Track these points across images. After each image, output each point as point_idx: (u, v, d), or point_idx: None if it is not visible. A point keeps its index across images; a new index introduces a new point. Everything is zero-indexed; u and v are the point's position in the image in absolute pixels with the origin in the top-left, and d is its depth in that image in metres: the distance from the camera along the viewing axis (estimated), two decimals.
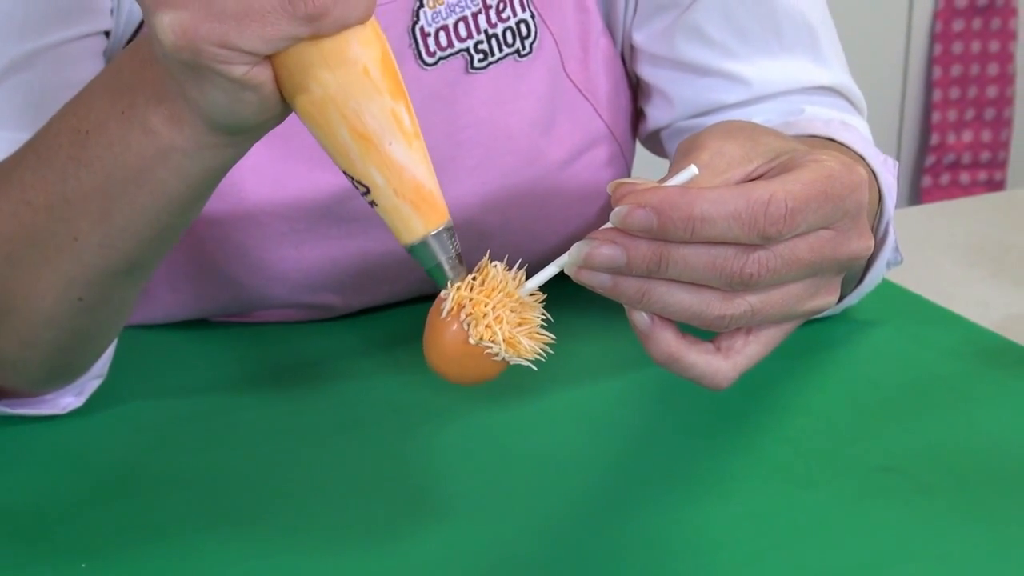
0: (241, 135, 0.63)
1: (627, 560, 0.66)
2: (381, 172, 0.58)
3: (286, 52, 0.57)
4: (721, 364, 0.61)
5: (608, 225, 0.58)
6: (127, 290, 0.73)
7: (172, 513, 0.71)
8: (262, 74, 0.57)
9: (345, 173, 0.59)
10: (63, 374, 0.78)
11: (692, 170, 0.58)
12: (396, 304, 0.94)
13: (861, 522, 0.68)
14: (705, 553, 0.66)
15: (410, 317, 0.92)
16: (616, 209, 0.57)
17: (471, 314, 0.59)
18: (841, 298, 0.88)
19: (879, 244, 0.86)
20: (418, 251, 0.59)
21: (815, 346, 0.85)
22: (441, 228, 0.59)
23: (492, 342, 0.59)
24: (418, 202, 0.58)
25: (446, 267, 0.59)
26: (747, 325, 0.61)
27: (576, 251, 0.58)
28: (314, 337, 0.91)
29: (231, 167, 0.66)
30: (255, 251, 0.86)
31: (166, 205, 0.66)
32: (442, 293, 0.60)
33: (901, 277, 0.95)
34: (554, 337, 0.60)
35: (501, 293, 0.59)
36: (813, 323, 0.88)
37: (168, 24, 0.56)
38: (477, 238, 0.89)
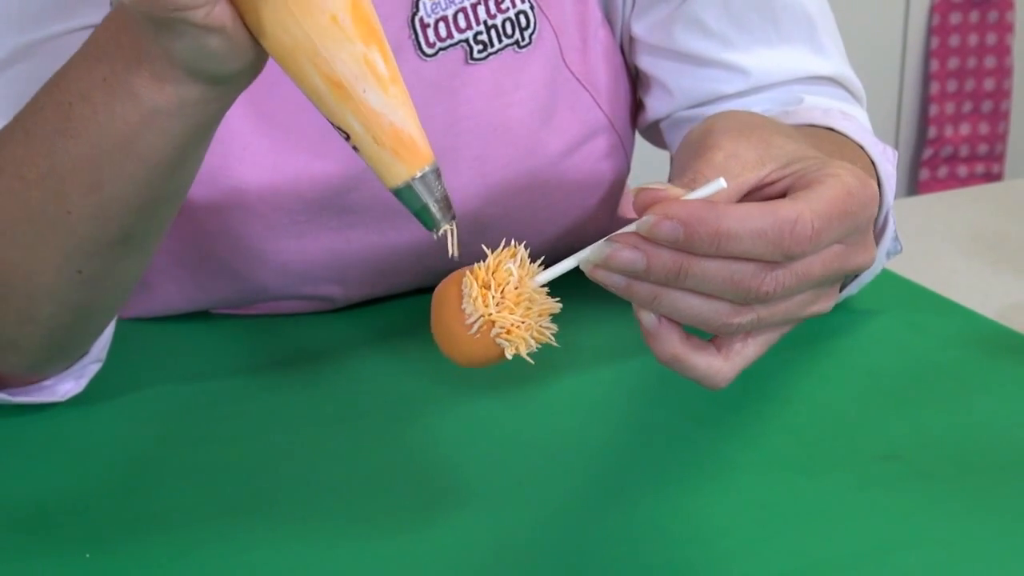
0: (223, 85, 0.62)
1: (629, 548, 0.66)
2: (357, 119, 0.57)
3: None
4: (721, 365, 0.61)
5: (630, 228, 0.58)
6: (126, 263, 0.72)
7: (174, 502, 0.71)
8: (223, 15, 0.57)
9: (326, 118, 0.59)
10: (62, 353, 0.78)
11: (720, 183, 0.58)
12: (398, 295, 0.94)
13: (862, 510, 0.68)
14: (708, 541, 0.66)
15: (412, 308, 0.93)
16: (644, 218, 0.57)
17: (505, 335, 0.58)
18: (841, 288, 0.88)
19: (879, 234, 0.86)
20: (402, 194, 0.59)
21: (816, 335, 0.86)
22: (425, 171, 0.58)
23: (527, 348, 0.59)
24: (398, 147, 0.58)
25: (432, 209, 0.59)
26: (750, 331, 0.61)
27: (597, 250, 0.58)
28: (315, 328, 0.91)
29: (216, 124, 0.66)
30: (256, 242, 0.86)
31: (154, 169, 0.66)
32: (464, 305, 0.59)
33: (901, 266, 0.95)
34: (560, 301, 0.60)
35: (525, 300, 0.59)
36: None
37: None
38: (478, 229, 0.89)
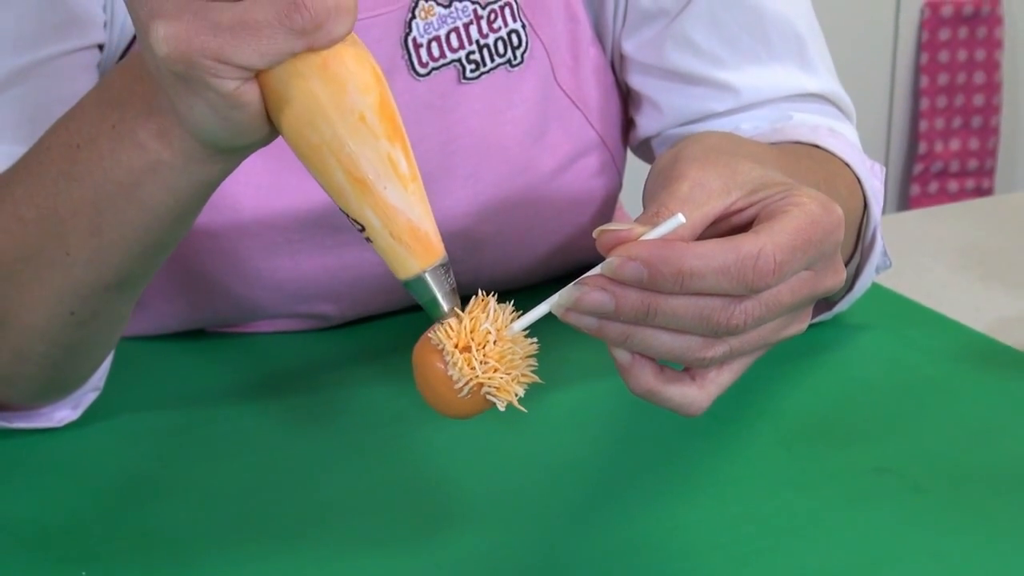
0: (228, 153, 0.63)
1: (624, 562, 0.66)
2: (376, 214, 0.58)
3: (284, 87, 0.57)
4: (696, 395, 0.62)
5: (597, 270, 0.59)
6: (119, 305, 0.73)
7: (170, 523, 0.71)
8: (251, 92, 0.57)
9: (341, 210, 0.59)
10: (57, 388, 0.78)
11: (679, 219, 0.59)
12: (391, 313, 0.95)
13: (855, 523, 0.69)
14: (701, 555, 0.67)
15: (406, 326, 0.92)
16: (607, 260, 0.58)
17: (494, 392, 0.59)
18: (832, 305, 0.89)
19: (867, 250, 0.87)
20: (412, 286, 0.59)
21: (808, 350, 0.86)
22: (436, 264, 0.59)
23: (516, 397, 0.60)
24: (412, 243, 0.58)
25: (441, 302, 0.59)
26: (724, 361, 0.62)
27: (566, 294, 0.59)
28: (310, 347, 0.91)
29: (220, 183, 0.66)
30: (250, 261, 0.86)
31: (155, 220, 0.66)
32: (449, 370, 0.59)
33: (892, 281, 0.96)
34: (538, 343, 0.61)
35: (507, 354, 0.59)
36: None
37: (163, 35, 0.56)
38: (471, 246, 0.89)
